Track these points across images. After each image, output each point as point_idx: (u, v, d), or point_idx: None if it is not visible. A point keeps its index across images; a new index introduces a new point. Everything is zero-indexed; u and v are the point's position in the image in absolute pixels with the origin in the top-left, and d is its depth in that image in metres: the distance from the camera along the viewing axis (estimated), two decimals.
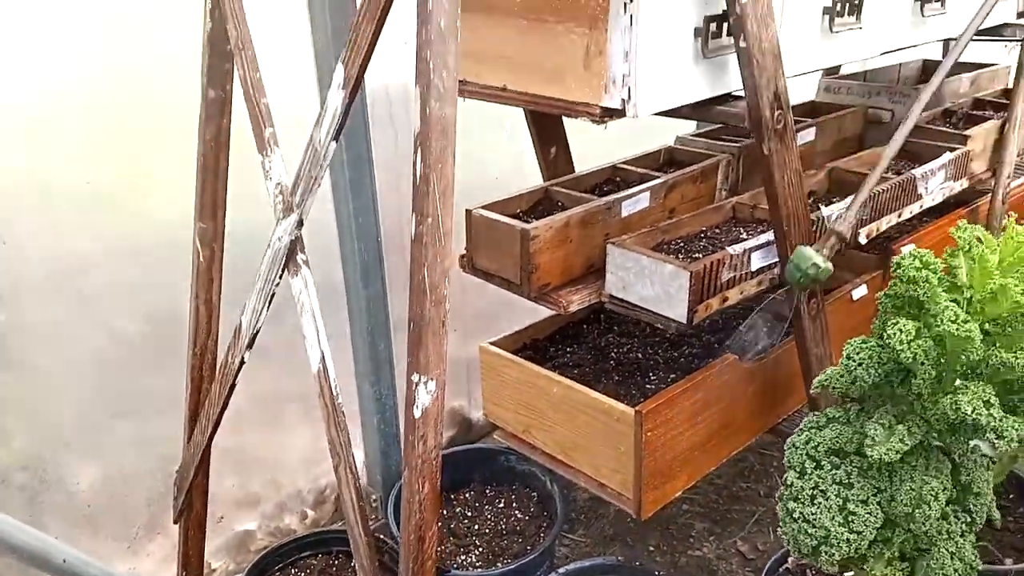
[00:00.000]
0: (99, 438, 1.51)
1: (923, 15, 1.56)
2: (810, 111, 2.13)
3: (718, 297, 1.30)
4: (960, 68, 2.40)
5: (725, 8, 1.11)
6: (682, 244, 1.42)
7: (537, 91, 1.21)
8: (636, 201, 1.50)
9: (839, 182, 1.71)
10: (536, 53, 1.18)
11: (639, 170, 1.64)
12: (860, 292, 1.68)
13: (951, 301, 0.83)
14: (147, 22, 1.41)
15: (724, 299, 1.31)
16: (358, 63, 0.84)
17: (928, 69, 2.54)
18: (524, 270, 1.33)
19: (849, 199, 1.41)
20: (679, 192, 1.59)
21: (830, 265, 1.22)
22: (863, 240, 1.55)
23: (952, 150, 1.79)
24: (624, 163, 1.67)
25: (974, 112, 2.11)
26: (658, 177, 1.57)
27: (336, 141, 0.88)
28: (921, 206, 1.71)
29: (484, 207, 1.41)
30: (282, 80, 1.24)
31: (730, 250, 1.30)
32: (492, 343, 1.56)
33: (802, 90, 2.23)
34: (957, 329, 0.77)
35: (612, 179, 1.65)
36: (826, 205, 1.49)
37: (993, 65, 2.34)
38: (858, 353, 0.92)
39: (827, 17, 1.34)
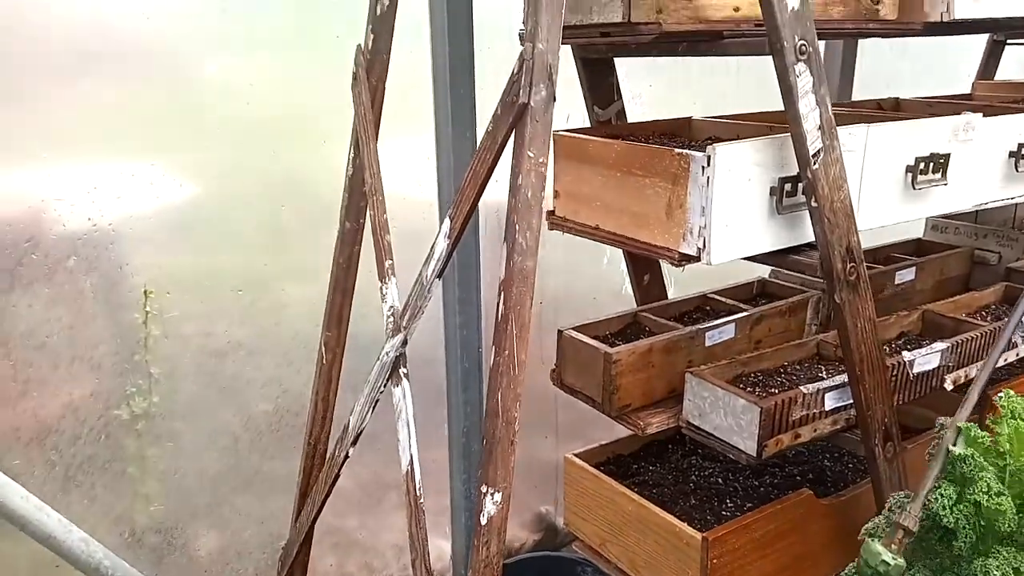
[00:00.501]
0: (223, 511, 1.71)
1: (1017, 170, 1.60)
2: (915, 249, 2.16)
3: (790, 434, 1.36)
4: None
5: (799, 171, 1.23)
6: (761, 378, 1.49)
7: (626, 233, 1.34)
8: (721, 332, 1.59)
9: (933, 324, 1.73)
10: (626, 200, 1.32)
11: (729, 301, 1.73)
12: None
13: (994, 469, 0.87)
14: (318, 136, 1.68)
15: (796, 436, 1.37)
16: (461, 219, 1.01)
17: None
18: (606, 390, 1.44)
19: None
20: (766, 325, 1.66)
21: (901, 561, 1.08)
22: (949, 387, 1.56)
23: None
24: (715, 293, 1.77)
25: None
26: (745, 310, 1.65)
27: (440, 278, 1.05)
28: (1017, 354, 1.70)
29: (574, 328, 1.54)
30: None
31: (803, 389, 1.36)
32: (577, 454, 1.66)
33: (912, 227, 2.26)
34: (988, 500, 0.82)
35: (702, 307, 1.75)
36: (916, 348, 1.53)
37: None
38: None
39: (910, 175, 1.41)
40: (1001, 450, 0.90)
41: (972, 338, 1.59)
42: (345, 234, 1.29)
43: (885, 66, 2.54)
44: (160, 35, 1.60)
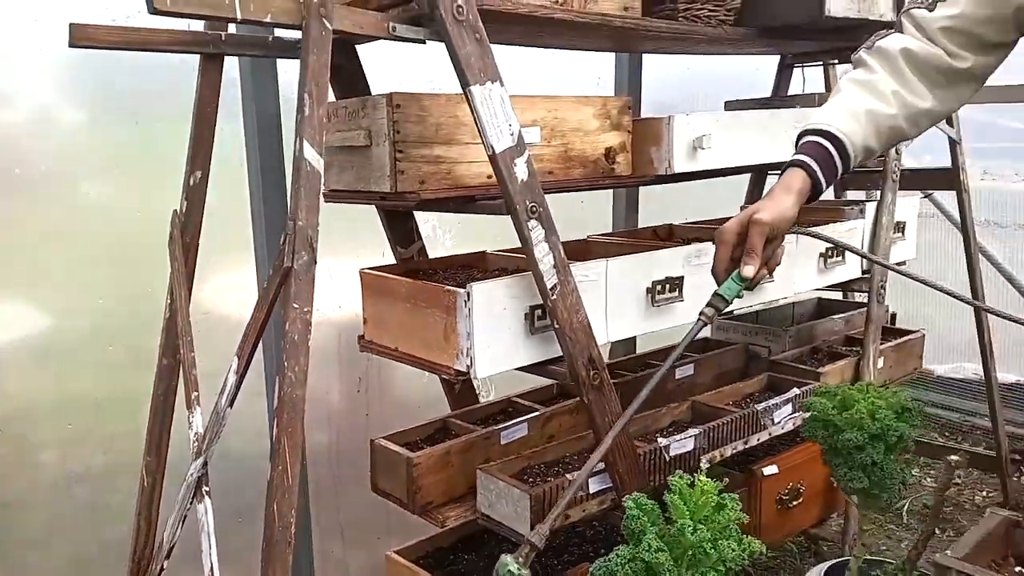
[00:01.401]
0: None
1: None
2: (701, 347, 2.52)
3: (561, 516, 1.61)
4: (846, 307, 2.81)
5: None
6: (543, 469, 1.76)
7: (417, 353, 1.60)
8: (515, 431, 1.85)
9: (699, 413, 2.05)
10: (416, 326, 1.59)
11: (527, 403, 2.00)
12: None
13: (664, 530, 1.14)
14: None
15: (567, 517, 1.62)
16: (246, 357, 1.24)
17: (822, 306, 2.95)
18: (409, 490, 1.67)
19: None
20: (557, 422, 1.94)
21: (527, 572, 1.22)
22: (705, 465, 1.87)
23: (802, 385, 2.14)
24: (518, 396, 2.05)
25: (839, 349, 2.48)
26: (538, 410, 1.93)
27: (231, 407, 1.26)
28: (770, 434, 2.03)
29: (384, 436, 1.77)
30: None
31: (568, 476, 1.63)
32: (397, 551, 1.85)
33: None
34: (650, 557, 1.09)
35: (506, 409, 2.02)
36: (670, 435, 1.83)
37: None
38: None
39: (649, 295, 1.74)
40: (672, 517, 1.17)
41: (723, 423, 1.91)
42: (162, 369, 1.49)
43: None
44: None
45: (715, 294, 1.37)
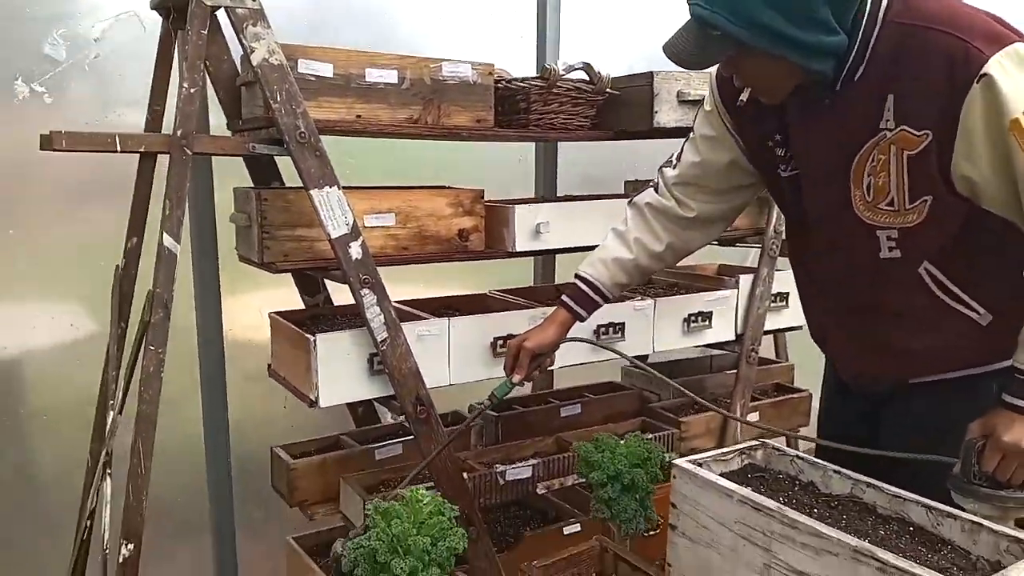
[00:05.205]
0: None
1: (600, 337, 2.33)
2: (604, 390, 2.87)
3: None
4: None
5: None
6: (399, 482, 2.18)
7: (294, 383, 2.07)
8: (389, 449, 2.29)
9: (560, 445, 2.43)
10: (293, 361, 2.06)
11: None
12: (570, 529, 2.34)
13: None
14: None
15: None
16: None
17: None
18: (288, 489, 2.14)
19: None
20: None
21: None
22: (541, 491, 2.24)
23: (665, 430, 2.48)
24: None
25: (719, 402, 2.78)
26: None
27: (120, 414, 1.78)
28: None
29: (282, 446, 2.25)
30: None
31: (399, 491, 2.05)
32: (294, 537, 2.32)
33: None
34: (370, 544, 1.51)
35: (396, 432, 2.46)
36: (511, 466, 2.22)
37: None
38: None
39: (491, 349, 2.15)
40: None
41: (562, 457, 2.28)
42: (104, 381, 2.04)
43: None
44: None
45: (492, 391, 1.87)
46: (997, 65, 1.28)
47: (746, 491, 1.35)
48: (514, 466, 2.20)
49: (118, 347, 1.99)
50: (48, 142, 1.56)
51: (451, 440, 1.97)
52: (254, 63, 1.73)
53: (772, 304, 2.65)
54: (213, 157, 2.15)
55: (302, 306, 2.35)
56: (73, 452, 2.23)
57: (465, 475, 2.10)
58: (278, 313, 2.20)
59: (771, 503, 1.31)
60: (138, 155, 1.91)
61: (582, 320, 1.86)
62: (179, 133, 1.66)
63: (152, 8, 1.99)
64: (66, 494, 2.27)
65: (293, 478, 2.13)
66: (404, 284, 2.13)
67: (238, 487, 2.49)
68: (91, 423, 2.09)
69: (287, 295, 2.39)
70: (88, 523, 1.92)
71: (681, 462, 1.46)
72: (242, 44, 1.74)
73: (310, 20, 2.64)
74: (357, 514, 2.05)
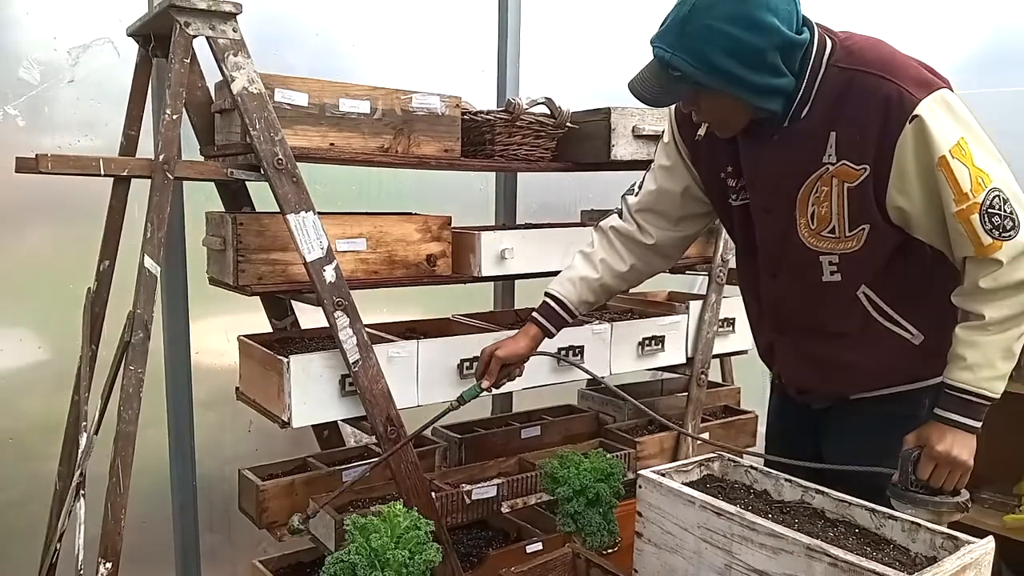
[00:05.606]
0: None
1: (559, 364, 2.43)
2: (561, 412, 2.96)
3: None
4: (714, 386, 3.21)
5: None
6: (367, 502, 2.23)
7: (264, 404, 2.10)
8: (355, 472, 2.33)
9: (522, 466, 2.50)
10: (263, 383, 2.09)
11: (379, 449, 2.48)
12: (533, 547, 2.40)
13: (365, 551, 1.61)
14: None
15: None
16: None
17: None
18: (258, 510, 2.17)
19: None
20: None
21: (301, 526, 1.86)
22: (506, 510, 2.31)
23: (620, 450, 2.57)
24: (375, 443, 2.52)
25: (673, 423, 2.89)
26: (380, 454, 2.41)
27: (96, 434, 1.79)
28: None
29: (250, 468, 2.27)
30: None
31: (372, 508, 2.10)
32: (261, 560, 2.34)
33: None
34: (349, 558, 1.55)
35: (363, 454, 2.50)
36: (476, 486, 2.28)
37: None
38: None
39: (459, 370, 2.22)
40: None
41: (527, 476, 2.35)
42: (73, 404, 2.03)
43: None
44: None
45: (461, 394, 1.94)
46: (927, 108, 1.43)
47: (707, 497, 1.45)
48: (480, 486, 2.26)
49: (89, 369, 2.00)
50: (34, 164, 1.59)
51: (411, 438, 2.01)
52: (234, 91, 1.79)
53: (719, 329, 2.78)
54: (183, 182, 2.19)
55: (268, 330, 2.39)
56: (40, 475, 2.21)
57: (432, 495, 2.16)
58: (248, 336, 2.23)
59: (731, 507, 1.41)
60: (112, 179, 1.95)
61: (551, 336, 1.95)
62: (161, 158, 1.70)
63: (129, 35, 2.03)
64: (30, 519, 2.24)
65: (262, 500, 2.16)
66: (369, 311, 2.19)
67: (202, 511, 2.49)
68: (59, 446, 2.09)
69: (251, 319, 2.42)
70: (58, 546, 1.91)
71: (647, 472, 1.56)
72: (223, 73, 1.80)
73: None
74: (325, 534, 2.09)
